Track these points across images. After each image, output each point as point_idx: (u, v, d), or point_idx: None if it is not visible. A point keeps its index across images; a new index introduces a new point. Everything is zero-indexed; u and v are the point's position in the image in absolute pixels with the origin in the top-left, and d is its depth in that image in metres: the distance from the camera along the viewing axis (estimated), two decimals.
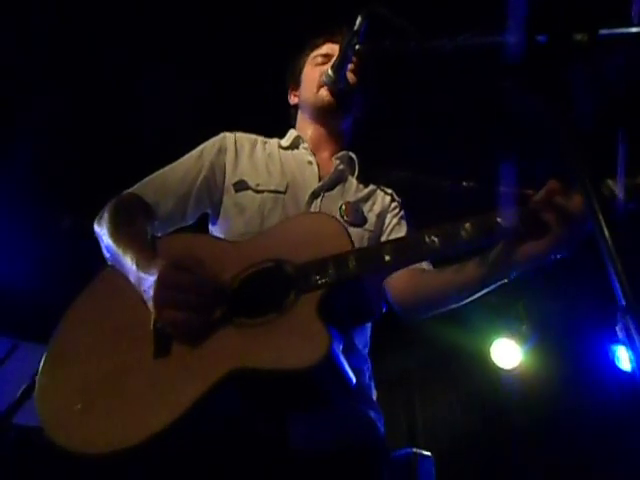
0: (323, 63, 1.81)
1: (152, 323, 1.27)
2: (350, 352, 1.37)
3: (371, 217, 1.67)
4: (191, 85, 3.51)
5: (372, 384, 1.54)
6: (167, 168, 1.69)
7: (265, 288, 1.27)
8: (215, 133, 1.78)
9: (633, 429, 4.01)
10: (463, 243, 1.22)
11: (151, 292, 1.23)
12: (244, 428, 1.26)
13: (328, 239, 1.30)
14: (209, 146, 1.73)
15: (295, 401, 1.23)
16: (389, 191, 1.80)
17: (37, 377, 1.32)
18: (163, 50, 3.34)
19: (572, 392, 4.52)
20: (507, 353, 4.91)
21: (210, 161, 1.69)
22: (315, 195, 1.64)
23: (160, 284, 1.22)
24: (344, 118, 1.84)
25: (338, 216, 1.57)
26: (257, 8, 3.18)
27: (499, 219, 1.21)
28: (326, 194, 1.66)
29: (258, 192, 1.62)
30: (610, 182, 1.11)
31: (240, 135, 1.79)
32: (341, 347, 1.17)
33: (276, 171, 1.69)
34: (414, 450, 3.98)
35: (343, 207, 1.63)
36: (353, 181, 1.76)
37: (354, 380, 1.18)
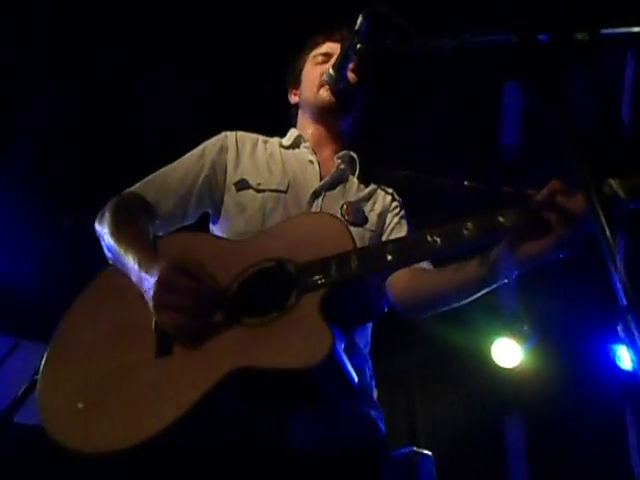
0: (323, 62, 1.80)
1: (153, 323, 1.27)
2: (351, 351, 1.37)
3: (372, 217, 1.67)
4: (191, 85, 3.51)
5: (373, 383, 1.54)
6: (168, 167, 1.69)
7: (267, 288, 1.27)
8: (215, 133, 1.78)
9: (634, 428, 4.01)
10: (465, 243, 1.22)
11: (151, 293, 1.23)
12: (245, 428, 1.26)
13: (330, 239, 1.30)
14: (210, 145, 1.73)
15: (297, 401, 1.23)
16: (390, 191, 1.80)
17: (38, 376, 1.32)
18: (163, 50, 3.34)
19: (573, 391, 4.52)
20: (507, 352, 4.90)
21: (211, 160, 1.69)
22: (316, 194, 1.64)
23: (160, 286, 1.22)
24: (345, 117, 1.84)
25: (339, 215, 1.57)
26: (257, 8, 3.18)
27: (501, 219, 1.21)
28: (327, 193, 1.66)
29: (259, 191, 1.62)
30: (612, 182, 1.11)
31: (241, 134, 1.79)
32: (343, 346, 1.17)
33: (277, 170, 1.69)
34: (414, 449, 3.98)
35: (344, 207, 1.63)
36: (354, 181, 1.76)
37: (356, 380, 1.18)
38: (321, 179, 1.69)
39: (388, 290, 1.58)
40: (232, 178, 1.67)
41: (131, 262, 1.34)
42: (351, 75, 1.72)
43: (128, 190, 1.63)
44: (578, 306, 4.33)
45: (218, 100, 3.51)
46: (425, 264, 1.59)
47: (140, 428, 1.14)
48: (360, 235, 1.57)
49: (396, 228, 1.71)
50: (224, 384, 1.14)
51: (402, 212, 1.76)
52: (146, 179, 1.66)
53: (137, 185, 1.64)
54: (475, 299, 1.42)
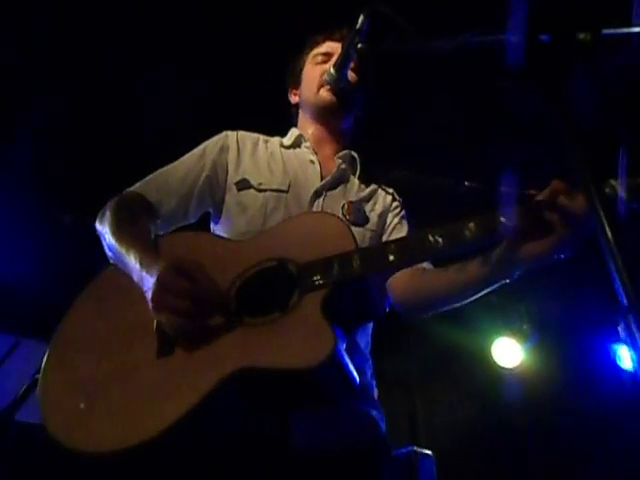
0: (323, 62, 1.81)
1: (155, 323, 1.27)
2: (353, 351, 1.37)
3: (373, 217, 1.67)
4: (191, 85, 3.50)
5: (374, 383, 1.54)
6: (169, 166, 1.69)
7: (268, 287, 1.27)
8: (215, 133, 1.78)
9: (634, 428, 4.01)
10: (467, 243, 1.22)
11: (150, 293, 1.23)
12: (246, 428, 1.26)
13: (332, 238, 1.30)
14: (211, 144, 1.73)
15: (298, 400, 1.23)
16: (390, 191, 1.80)
17: (39, 375, 1.32)
18: (163, 50, 3.34)
19: (573, 391, 4.52)
20: (508, 352, 4.91)
21: (212, 160, 1.69)
22: (317, 194, 1.64)
23: (158, 287, 1.22)
24: (345, 117, 1.84)
25: (340, 215, 1.57)
26: (257, 8, 3.18)
27: (503, 219, 1.21)
28: (328, 193, 1.66)
29: (260, 191, 1.62)
30: (613, 182, 1.12)
31: (242, 134, 1.79)
32: (344, 346, 1.17)
33: (278, 170, 1.69)
34: (415, 449, 3.98)
35: (345, 206, 1.63)
36: (355, 180, 1.76)
37: (358, 380, 1.18)
38: (322, 179, 1.69)
39: (389, 290, 1.58)
40: (233, 178, 1.67)
41: (132, 261, 1.34)
42: (352, 75, 1.72)
43: (129, 189, 1.63)
44: (578, 306, 4.34)
45: (218, 100, 3.51)
46: (425, 264, 1.59)
47: (141, 428, 1.14)
48: (361, 235, 1.57)
49: (397, 228, 1.71)
50: (226, 384, 1.14)
51: (403, 212, 1.76)
52: (147, 178, 1.66)
53: (138, 184, 1.64)
54: (475, 299, 1.42)
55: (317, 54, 1.84)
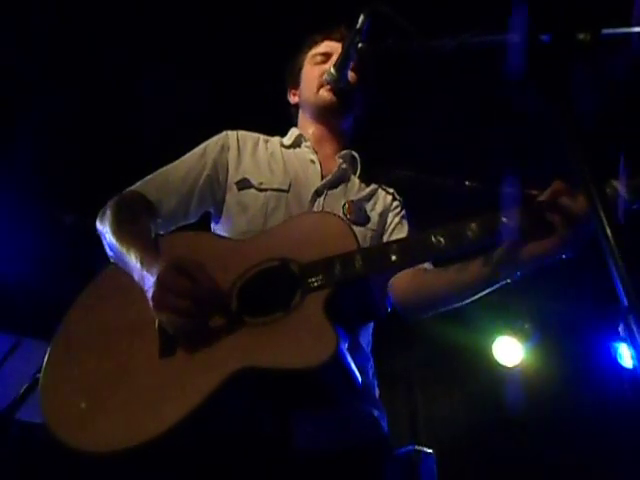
0: (323, 62, 1.81)
1: (157, 322, 1.27)
2: (355, 351, 1.37)
3: (373, 216, 1.67)
4: (191, 85, 3.50)
5: (375, 382, 1.55)
6: (170, 166, 1.69)
7: (270, 287, 1.27)
8: (216, 133, 1.78)
9: (635, 427, 4.01)
10: (469, 243, 1.22)
11: (151, 292, 1.23)
12: (248, 428, 1.26)
13: (333, 238, 1.30)
14: (212, 144, 1.73)
15: (300, 400, 1.23)
16: (390, 190, 1.80)
17: (40, 374, 1.32)
18: (163, 50, 3.34)
19: (574, 389, 4.52)
20: (509, 351, 4.91)
21: (213, 159, 1.69)
22: (318, 193, 1.64)
23: (159, 286, 1.22)
24: (346, 117, 1.84)
25: (341, 214, 1.57)
26: (257, 8, 3.18)
27: (504, 219, 1.22)
28: (329, 192, 1.66)
29: (261, 190, 1.62)
30: (614, 183, 1.12)
31: (242, 133, 1.79)
32: (346, 346, 1.17)
33: (279, 170, 1.69)
34: (416, 447, 3.98)
35: (346, 206, 1.63)
36: (355, 180, 1.76)
37: (360, 379, 1.18)
38: (322, 178, 1.69)
39: (390, 290, 1.58)
40: (233, 177, 1.68)
41: (133, 260, 1.34)
42: (352, 74, 1.72)
43: (129, 189, 1.63)
44: (579, 304, 4.33)
45: (218, 100, 3.51)
46: (426, 264, 1.59)
47: (142, 429, 1.14)
48: (362, 234, 1.57)
49: (397, 228, 1.71)
50: (228, 384, 1.14)
51: (403, 212, 1.76)
52: (147, 178, 1.66)
53: (138, 184, 1.64)
54: (476, 298, 1.42)
55: (316, 54, 1.84)
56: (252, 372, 1.14)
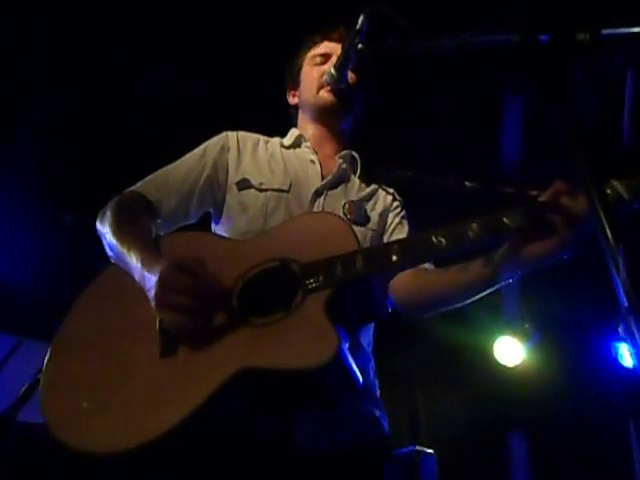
0: (322, 63, 1.80)
1: (157, 322, 1.27)
2: (356, 351, 1.37)
3: (374, 216, 1.67)
4: (191, 85, 3.50)
5: (376, 382, 1.55)
6: (170, 166, 1.69)
7: (271, 287, 1.27)
8: (215, 133, 1.78)
9: (635, 427, 4.01)
10: (470, 243, 1.22)
11: (153, 292, 1.23)
12: (248, 428, 1.26)
13: (334, 238, 1.30)
14: (212, 144, 1.73)
15: (301, 401, 1.23)
16: (390, 191, 1.80)
17: (41, 375, 1.32)
18: (163, 50, 3.34)
19: (575, 389, 4.52)
20: (510, 351, 4.91)
21: (213, 159, 1.69)
22: (318, 194, 1.64)
23: (161, 285, 1.22)
24: (346, 117, 1.84)
25: (341, 214, 1.57)
26: (257, 8, 3.18)
27: (505, 219, 1.22)
28: (329, 192, 1.66)
29: (261, 191, 1.62)
30: (615, 183, 1.12)
31: (242, 134, 1.79)
32: (347, 346, 1.17)
33: (279, 170, 1.69)
34: (417, 448, 3.98)
35: (346, 206, 1.63)
36: (355, 180, 1.76)
37: (361, 380, 1.18)
38: (322, 178, 1.69)
39: (391, 290, 1.58)
40: (234, 178, 1.68)
41: (134, 261, 1.34)
42: (352, 75, 1.71)
43: (129, 189, 1.63)
44: (580, 304, 4.33)
45: (218, 100, 3.51)
46: (427, 264, 1.59)
47: (142, 429, 1.14)
48: (362, 234, 1.57)
49: (397, 228, 1.71)
50: (228, 385, 1.14)
51: (403, 212, 1.76)
52: (147, 178, 1.66)
53: (138, 184, 1.64)
54: (477, 298, 1.42)
55: (315, 55, 1.84)
56: (253, 373, 1.14)
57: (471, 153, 3.47)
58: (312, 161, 1.74)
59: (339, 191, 1.69)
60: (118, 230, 1.47)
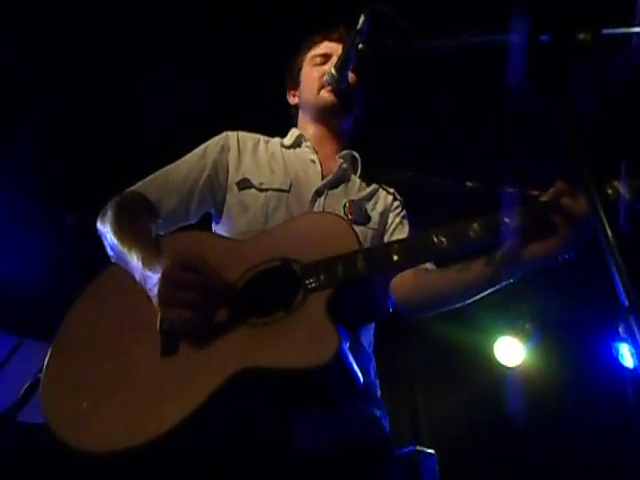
0: (322, 63, 1.81)
1: (158, 322, 1.27)
2: (356, 351, 1.37)
3: (374, 216, 1.67)
4: (191, 85, 3.50)
5: (377, 382, 1.55)
6: (170, 166, 1.70)
7: (272, 287, 1.27)
8: (215, 133, 1.78)
9: (636, 427, 4.01)
10: (471, 243, 1.22)
11: (155, 290, 1.23)
12: (248, 428, 1.26)
13: (335, 238, 1.30)
14: (212, 145, 1.73)
15: (302, 400, 1.23)
16: (391, 190, 1.80)
17: (41, 375, 1.32)
18: (163, 50, 3.34)
19: (575, 389, 4.52)
20: (510, 351, 4.91)
21: (213, 159, 1.69)
22: (319, 193, 1.64)
23: (164, 282, 1.22)
24: (346, 117, 1.84)
25: (342, 214, 1.57)
26: (257, 8, 3.18)
27: (506, 219, 1.22)
28: (330, 192, 1.66)
29: (262, 190, 1.62)
30: (615, 183, 1.12)
31: (243, 134, 1.79)
32: (348, 346, 1.17)
33: (279, 170, 1.69)
34: (417, 448, 3.98)
35: (347, 205, 1.63)
36: (356, 180, 1.76)
37: (362, 380, 1.18)
38: (323, 178, 1.69)
39: (391, 290, 1.58)
40: (234, 178, 1.68)
41: (135, 260, 1.34)
42: (352, 75, 1.71)
43: (130, 189, 1.63)
44: (580, 304, 4.33)
45: (218, 100, 3.51)
46: (428, 264, 1.59)
47: (142, 429, 1.14)
48: (363, 234, 1.57)
49: (398, 228, 1.71)
50: (229, 385, 1.14)
51: (403, 212, 1.76)
52: (148, 178, 1.66)
53: (139, 184, 1.64)
54: (478, 298, 1.42)
55: (315, 55, 1.84)
56: (253, 372, 1.14)
57: (471, 153, 3.47)
58: (312, 161, 1.74)
59: (339, 191, 1.69)
60: (119, 230, 1.47)
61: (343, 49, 1.60)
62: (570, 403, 4.52)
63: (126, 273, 1.37)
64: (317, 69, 1.80)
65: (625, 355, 4.44)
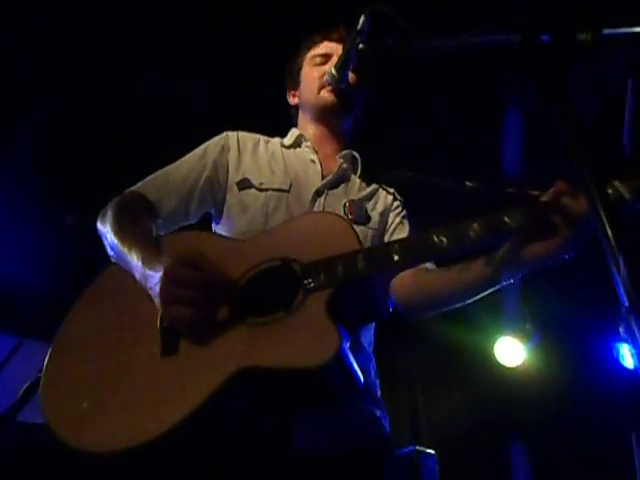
0: (322, 63, 1.80)
1: (158, 321, 1.27)
2: (357, 350, 1.37)
3: (374, 215, 1.67)
4: (191, 85, 3.50)
5: (377, 382, 1.55)
6: (170, 166, 1.70)
7: (272, 287, 1.27)
8: (216, 133, 1.78)
9: (636, 427, 4.01)
10: (471, 243, 1.22)
11: (157, 289, 1.23)
12: (249, 428, 1.26)
13: (335, 238, 1.30)
14: (212, 145, 1.73)
15: (302, 400, 1.23)
16: (391, 190, 1.80)
17: (41, 375, 1.32)
18: (163, 50, 3.34)
19: (575, 390, 4.52)
20: (511, 351, 4.91)
21: (213, 160, 1.69)
22: (319, 193, 1.64)
23: (166, 280, 1.22)
24: (346, 117, 1.84)
25: (342, 214, 1.57)
26: (257, 8, 3.18)
27: (507, 219, 1.22)
28: (330, 192, 1.66)
29: (262, 190, 1.62)
30: (616, 183, 1.12)
31: (243, 134, 1.79)
32: (348, 345, 1.17)
33: (279, 170, 1.69)
34: (417, 448, 3.98)
35: (347, 205, 1.63)
36: (356, 180, 1.76)
37: (362, 379, 1.18)
38: (323, 178, 1.69)
39: (391, 290, 1.58)
40: (234, 178, 1.68)
41: (135, 260, 1.35)
42: (352, 75, 1.71)
43: (130, 189, 1.63)
44: (580, 304, 4.33)
45: (218, 100, 3.51)
46: (428, 264, 1.59)
47: (143, 429, 1.14)
48: (363, 234, 1.57)
49: (398, 228, 1.71)
50: (229, 385, 1.14)
51: (404, 212, 1.76)
52: (148, 178, 1.66)
53: (139, 184, 1.64)
54: (478, 298, 1.42)
55: (315, 55, 1.84)
56: (253, 372, 1.14)
57: (471, 153, 3.47)
58: (312, 161, 1.74)
59: (340, 191, 1.69)
60: (119, 230, 1.47)
61: (343, 49, 1.60)
62: (570, 403, 4.52)
63: (126, 273, 1.37)
64: (317, 69, 1.80)
65: (625, 355, 4.44)
